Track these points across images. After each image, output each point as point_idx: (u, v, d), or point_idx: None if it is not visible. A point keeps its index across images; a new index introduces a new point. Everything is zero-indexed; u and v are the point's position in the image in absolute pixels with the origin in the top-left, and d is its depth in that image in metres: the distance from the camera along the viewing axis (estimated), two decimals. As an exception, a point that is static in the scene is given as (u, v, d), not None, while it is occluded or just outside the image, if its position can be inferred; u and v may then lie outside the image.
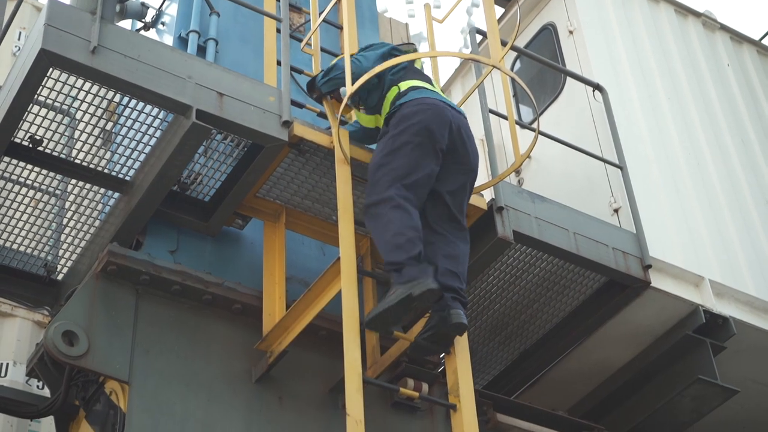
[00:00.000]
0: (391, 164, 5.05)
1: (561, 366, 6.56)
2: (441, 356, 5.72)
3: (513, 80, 6.28)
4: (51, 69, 4.76)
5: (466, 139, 5.26)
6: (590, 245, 5.95)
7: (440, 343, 4.93)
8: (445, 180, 5.17)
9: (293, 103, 5.37)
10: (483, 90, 6.19)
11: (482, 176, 6.39)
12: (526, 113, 7.87)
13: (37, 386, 6.98)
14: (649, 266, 6.10)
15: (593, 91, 6.88)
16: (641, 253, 6.14)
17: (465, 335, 4.98)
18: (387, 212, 4.90)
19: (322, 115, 5.65)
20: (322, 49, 6.49)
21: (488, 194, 5.81)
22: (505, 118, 6.21)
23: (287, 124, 5.20)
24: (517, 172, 7.19)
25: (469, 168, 5.27)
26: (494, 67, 5.25)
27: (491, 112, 6.23)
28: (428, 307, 4.83)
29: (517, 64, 7.97)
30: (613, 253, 6.03)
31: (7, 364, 7.18)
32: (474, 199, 5.58)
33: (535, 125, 5.61)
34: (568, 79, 7.16)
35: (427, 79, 5.55)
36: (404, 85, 5.39)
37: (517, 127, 6.12)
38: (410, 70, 5.54)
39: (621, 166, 6.51)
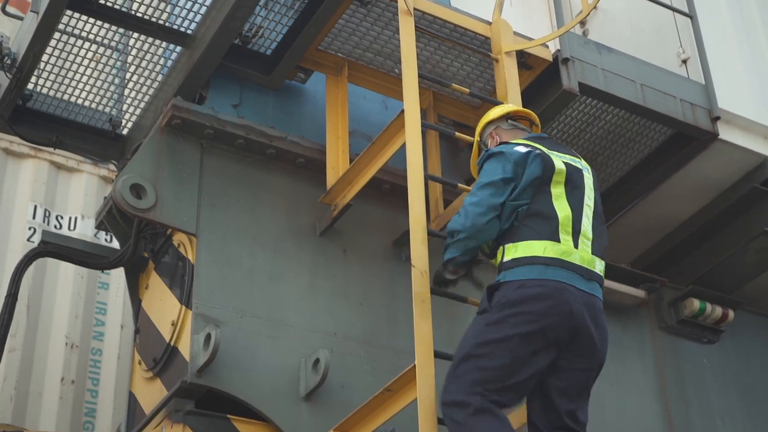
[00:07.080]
0: (482, 361, 4.02)
1: (624, 220, 6.50)
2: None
3: (580, -74, 6.06)
4: None
5: (593, 330, 4.12)
6: (657, 97, 5.84)
7: None
8: (558, 375, 4.14)
9: (354, -48, 5.26)
10: (548, -63, 6.01)
11: (547, 27, 6.25)
12: (592, -38, 7.61)
13: (105, 239, 7.12)
14: (718, 118, 5.97)
15: (662, -64, 6.62)
16: (710, 105, 6.00)
17: None
18: (467, 420, 3.96)
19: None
20: None
21: (553, 45, 5.68)
22: (571, -35, 6.03)
23: (349, -26, 5.11)
24: (583, 23, 7.00)
25: (592, 364, 4.19)
26: None
27: (557, -41, 6.04)
28: None
29: None
30: (681, 104, 5.91)
31: (76, 218, 7.30)
32: (538, 50, 5.47)
33: (603, -27, 5.44)
34: (636, -76, 6.90)
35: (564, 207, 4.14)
36: (516, 250, 4.11)
37: (584, -25, 5.93)
38: (540, 195, 4.17)
39: (691, 15, 6.31)
